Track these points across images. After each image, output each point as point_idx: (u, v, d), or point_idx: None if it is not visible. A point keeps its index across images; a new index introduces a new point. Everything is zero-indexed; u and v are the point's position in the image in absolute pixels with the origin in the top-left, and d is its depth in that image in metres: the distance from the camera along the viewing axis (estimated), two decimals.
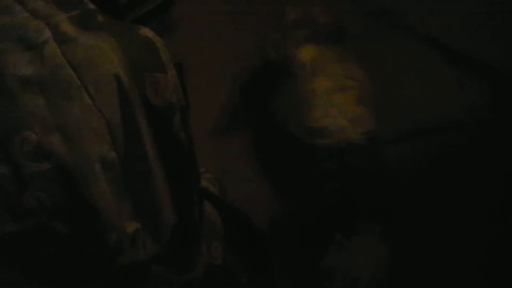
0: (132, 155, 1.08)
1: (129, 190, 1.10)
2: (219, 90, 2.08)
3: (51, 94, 1.03)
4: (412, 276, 1.69)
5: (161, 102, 1.09)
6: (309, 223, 1.78)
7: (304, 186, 1.82)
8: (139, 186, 1.11)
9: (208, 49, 2.20)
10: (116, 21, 1.15)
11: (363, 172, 1.78)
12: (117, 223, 1.08)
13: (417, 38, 2.20)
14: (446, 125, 2.00)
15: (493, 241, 1.76)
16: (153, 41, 1.12)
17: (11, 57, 1.05)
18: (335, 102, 1.84)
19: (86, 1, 1.17)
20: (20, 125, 1.02)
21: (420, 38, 2.20)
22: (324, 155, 1.77)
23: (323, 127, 1.80)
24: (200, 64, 2.11)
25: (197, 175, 1.22)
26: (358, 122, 1.79)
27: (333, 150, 1.77)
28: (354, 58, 1.95)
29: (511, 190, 1.88)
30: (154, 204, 1.14)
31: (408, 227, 1.79)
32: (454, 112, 2.03)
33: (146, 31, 1.13)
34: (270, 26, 2.07)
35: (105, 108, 1.04)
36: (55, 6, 1.12)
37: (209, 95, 2.01)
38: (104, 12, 1.16)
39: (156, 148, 1.11)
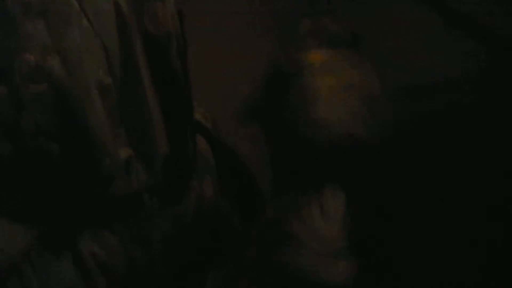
0: (128, 83, 1.11)
1: (123, 117, 1.13)
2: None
3: (51, 19, 1.06)
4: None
5: (158, 31, 1.11)
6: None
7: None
8: (133, 114, 1.14)
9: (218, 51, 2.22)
10: None
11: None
12: (111, 148, 1.12)
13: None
14: (444, 84, 2.02)
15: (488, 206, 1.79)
16: None
17: None
18: (338, 98, 1.88)
19: None
20: (20, 47, 1.05)
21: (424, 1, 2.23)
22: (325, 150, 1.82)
23: (324, 119, 1.83)
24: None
25: (191, 106, 1.25)
26: (359, 117, 1.84)
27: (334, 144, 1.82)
28: (365, 61, 1.99)
29: (503, 155, 1.90)
30: (148, 132, 1.17)
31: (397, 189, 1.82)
32: (452, 73, 2.05)
33: None
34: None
35: (103, 33, 1.07)
36: None
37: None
38: None
39: (152, 77, 1.14)
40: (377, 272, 1.67)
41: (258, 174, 1.66)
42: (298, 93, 1.88)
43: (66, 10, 1.06)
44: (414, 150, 1.93)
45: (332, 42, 2.01)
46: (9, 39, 1.05)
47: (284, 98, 1.90)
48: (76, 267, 1.21)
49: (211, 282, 1.46)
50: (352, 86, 1.90)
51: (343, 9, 2.21)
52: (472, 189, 1.82)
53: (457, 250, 1.72)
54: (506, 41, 2.14)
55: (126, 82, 1.10)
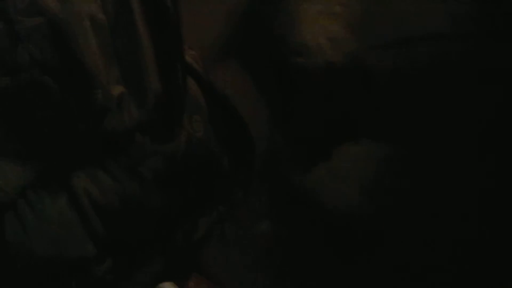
0: (121, 20, 1.15)
1: (116, 55, 1.17)
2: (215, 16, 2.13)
3: None
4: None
5: None
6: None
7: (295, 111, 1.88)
8: (126, 52, 1.18)
9: None
10: None
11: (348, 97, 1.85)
12: (104, 83, 1.15)
13: None
14: (429, 35, 2.04)
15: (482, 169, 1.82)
16: None
17: None
18: (320, 24, 1.89)
19: None
20: None
21: None
22: (309, 77, 1.83)
23: (303, 44, 1.84)
24: None
25: (182, 45, 1.28)
26: (339, 42, 1.84)
27: (316, 71, 1.82)
28: None
29: (495, 105, 1.92)
30: (140, 70, 1.21)
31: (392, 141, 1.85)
32: (438, 25, 2.07)
33: None
34: None
35: None
36: None
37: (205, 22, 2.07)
38: None
39: (144, 15, 1.18)
40: None
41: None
42: (283, 21, 1.90)
43: None
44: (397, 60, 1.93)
45: None
46: None
47: (270, 26, 1.92)
48: (71, 205, 1.25)
49: (202, 228, 1.50)
50: (334, 13, 1.89)
51: None
52: (457, 103, 1.84)
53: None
54: None
55: (118, 19, 1.14)
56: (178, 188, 1.37)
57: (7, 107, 1.16)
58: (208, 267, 1.54)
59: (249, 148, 1.56)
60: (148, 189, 1.31)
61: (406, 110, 1.89)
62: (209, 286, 1.50)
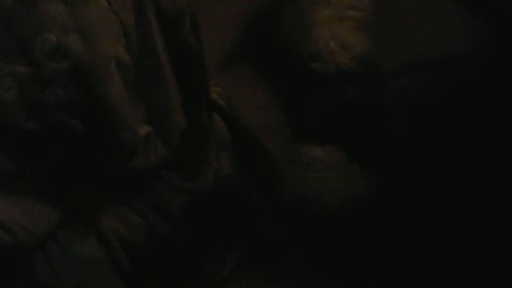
0: (145, 59, 1.15)
1: (142, 94, 1.18)
2: (227, 23, 2.14)
3: None
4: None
5: (172, 7, 1.15)
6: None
7: (309, 113, 1.89)
8: (151, 91, 1.19)
9: None
10: None
11: (360, 104, 1.86)
12: (131, 124, 1.16)
13: None
14: (449, 58, 2.04)
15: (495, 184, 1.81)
16: None
17: None
18: (332, 29, 1.91)
19: None
20: (40, 28, 1.09)
21: None
22: (322, 82, 1.85)
23: (315, 51, 1.87)
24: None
25: (206, 82, 1.29)
26: (349, 48, 1.86)
27: (328, 77, 1.85)
28: None
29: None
30: (166, 108, 1.21)
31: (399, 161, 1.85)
32: (457, 45, 2.07)
33: None
34: None
35: (120, 11, 1.11)
36: None
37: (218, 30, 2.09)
38: None
39: (168, 53, 1.18)
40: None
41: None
42: (294, 25, 1.91)
43: None
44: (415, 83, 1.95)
45: None
46: (30, 20, 1.10)
47: (281, 31, 1.93)
48: (100, 245, 1.25)
49: (230, 263, 1.50)
50: (344, 17, 1.91)
51: None
52: (475, 127, 1.84)
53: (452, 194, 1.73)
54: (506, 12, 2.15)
55: (143, 59, 1.14)
56: (205, 223, 1.37)
57: (36, 149, 1.16)
58: None
59: (274, 179, 1.56)
60: (175, 226, 1.31)
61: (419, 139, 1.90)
62: None
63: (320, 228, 1.67)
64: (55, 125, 1.12)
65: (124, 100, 1.13)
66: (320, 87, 1.84)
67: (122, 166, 1.21)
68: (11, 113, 1.11)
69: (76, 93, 1.10)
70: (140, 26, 1.12)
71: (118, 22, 1.10)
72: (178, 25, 1.16)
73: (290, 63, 1.90)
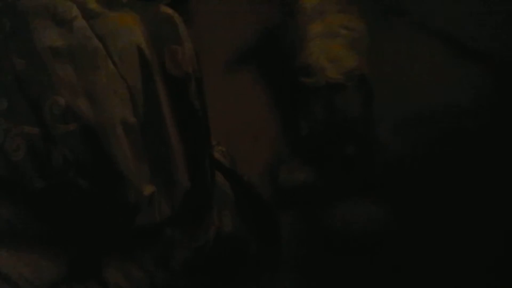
0: (151, 121, 1.18)
1: (147, 154, 1.20)
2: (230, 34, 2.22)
3: (79, 63, 1.13)
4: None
5: (178, 72, 1.18)
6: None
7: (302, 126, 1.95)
8: (156, 151, 1.21)
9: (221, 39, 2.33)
10: (138, 1, 1.26)
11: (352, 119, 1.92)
12: (136, 184, 1.18)
13: (420, 27, 2.28)
14: (449, 110, 2.07)
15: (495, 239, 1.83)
16: (172, 17, 1.22)
17: (44, 32, 1.16)
18: (323, 45, 1.97)
19: None
20: (50, 90, 1.12)
21: (423, 28, 2.28)
22: (313, 96, 1.91)
23: (307, 65, 1.93)
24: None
25: (210, 143, 1.32)
26: (339, 63, 1.93)
27: (319, 90, 1.91)
28: (355, 10, 2.06)
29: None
30: (170, 168, 1.24)
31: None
32: (456, 98, 2.10)
33: (166, 8, 1.23)
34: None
35: (128, 75, 1.14)
36: None
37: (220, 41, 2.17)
38: None
39: (173, 115, 1.21)
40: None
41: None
42: (290, 40, 1.98)
43: (93, 54, 1.14)
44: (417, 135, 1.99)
45: None
46: (41, 82, 1.13)
47: (280, 44, 2.00)
48: None
49: None
50: (336, 35, 1.98)
51: None
52: (476, 178, 1.87)
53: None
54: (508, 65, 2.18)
55: (149, 121, 1.17)
56: (207, 276, 1.39)
57: (42, 205, 1.18)
58: None
59: (275, 231, 1.59)
60: (176, 279, 1.33)
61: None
62: None
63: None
64: (62, 184, 1.15)
65: (129, 161, 1.15)
66: (310, 99, 1.91)
67: (126, 223, 1.23)
68: (19, 172, 1.13)
69: (84, 154, 1.12)
70: (146, 89, 1.14)
71: (125, 86, 1.13)
72: (183, 89, 1.19)
73: (286, 74, 1.98)
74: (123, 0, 1.23)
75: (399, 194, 1.87)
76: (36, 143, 1.13)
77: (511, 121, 2.04)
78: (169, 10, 1.23)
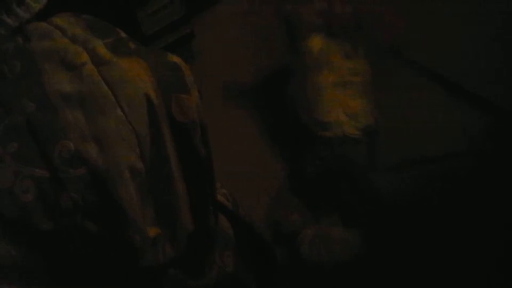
0: (157, 166, 1.21)
1: (152, 198, 1.23)
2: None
3: (88, 109, 1.16)
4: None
5: (185, 120, 1.22)
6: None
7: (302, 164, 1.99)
8: (161, 195, 1.24)
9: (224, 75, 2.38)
10: (146, 48, 1.29)
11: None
12: (141, 226, 1.21)
13: (420, 71, 2.32)
14: (447, 155, 2.11)
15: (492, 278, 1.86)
16: (180, 66, 1.25)
17: (53, 76, 1.19)
18: (338, 97, 2.01)
19: (119, 30, 1.31)
20: (60, 135, 1.15)
21: (423, 72, 2.32)
22: (324, 145, 1.95)
23: (327, 122, 1.98)
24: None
25: (214, 188, 1.35)
26: (357, 119, 1.98)
27: (333, 141, 1.95)
28: (361, 54, 2.10)
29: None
30: (174, 212, 1.27)
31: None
32: (454, 143, 2.13)
33: (174, 57, 1.26)
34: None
35: (135, 122, 1.17)
36: (92, 34, 1.26)
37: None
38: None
39: (179, 161, 1.24)
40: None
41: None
42: (301, 89, 2.01)
43: (102, 101, 1.17)
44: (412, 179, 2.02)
45: (334, 26, 2.11)
46: (50, 126, 1.16)
47: (287, 90, 2.04)
48: None
49: None
50: (347, 83, 2.02)
51: None
52: (471, 223, 1.90)
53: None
54: (506, 112, 2.22)
55: (155, 166, 1.20)
56: None
57: (49, 247, 1.21)
58: None
59: (274, 269, 1.62)
60: None
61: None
62: None
63: None
64: (70, 226, 1.17)
65: (136, 205, 1.18)
66: (320, 147, 1.94)
67: (132, 264, 1.26)
68: (28, 214, 1.15)
69: (92, 198, 1.15)
70: (153, 135, 1.17)
71: (132, 132, 1.15)
72: (189, 136, 1.22)
73: (295, 121, 2.00)
74: (131, 46, 1.26)
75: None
76: (45, 186, 1.15)
77: (501, 168, 2.07)
78: (177, 59, 1.26)
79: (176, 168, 1.24)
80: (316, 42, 2.07)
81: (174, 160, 1.23)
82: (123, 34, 1.30)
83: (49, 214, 1.16)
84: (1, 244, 1.17)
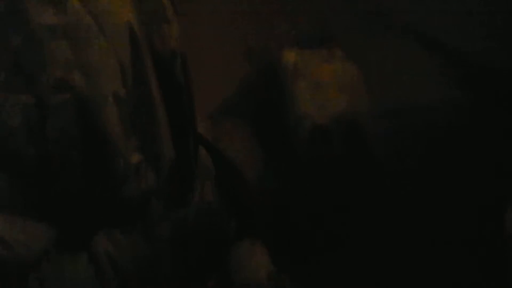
0: (139, 93, 1.25)
1: (135, 125, 1.27)
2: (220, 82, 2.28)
3: (73, 39, 1.20)
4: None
5: (165, 49, 1.26)
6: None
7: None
8: (143, 122, 1.29)
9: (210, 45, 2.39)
10: None
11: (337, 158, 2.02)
12: (124, 152, 1.25)
13: (404, 32, 2.37)
14: (423, 107, 2.15)
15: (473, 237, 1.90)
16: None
17: (39, 10, 1.22)
18: (313, 96, 2.07)
19: None
20: (46, 64, 1.20)
21: (406, 33, 2.36)
22: (302, 139, 2.00)
23: (295, 113, 2.02)
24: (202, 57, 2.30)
25: (194, 116, 1.39)
26: (325, 107, 2.04)
27: (306, 134, 2.01)
28: (340, 56, 2.16)
29: (484, 177, 2.01)
30: (156, 139, 1.31)
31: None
32: (431, 97, 2.17)
33: None
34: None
35: (118, 51, 1.21)
36: None
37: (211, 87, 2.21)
38: None
39: (160, 89, 1.29)
40: None
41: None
42: (280, 95, 2.06)
43: (86, 31, 1.21)
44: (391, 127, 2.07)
45: (305, 42, 2.17)
46: (37, 57, 1.20)
47: (269, 96, 2.08)
48: (91, 265, 1.34)
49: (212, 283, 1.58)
50: (322, 84, 2.07)
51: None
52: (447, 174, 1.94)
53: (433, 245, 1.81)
54: (488, 70, 2.25)
55: (137, 93, 1.24)
56: (188, 251, 1.46)
57: (33, 174, 1.25)
58: None
59: (254, 212, 1.66)
60: (160, 251, 1.40)
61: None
62: None
63: None
64: (54, 154, 1.21)
65: (118, 131, 1.22)
66: (297, 144, 1.99)
67: (114, 192, 1.30)
68: (14, 139, 1.19)
69: (75, 124, 1.19)
70: (135, 64, 1.20)
71: (116, 60, 1.19)
72: (169, 64, 1.25)
73: (279, 123, 2.05)
74: None
75: None
76: (32, 112, 1.19)
77: (476, 121, 2.11)
78: None
79: (157, 95, 1.29)
80: (289, 57, 2.14)
81: (156, 89, 1.28)
82: None
83: (33, 140, 1.20)
84: None
